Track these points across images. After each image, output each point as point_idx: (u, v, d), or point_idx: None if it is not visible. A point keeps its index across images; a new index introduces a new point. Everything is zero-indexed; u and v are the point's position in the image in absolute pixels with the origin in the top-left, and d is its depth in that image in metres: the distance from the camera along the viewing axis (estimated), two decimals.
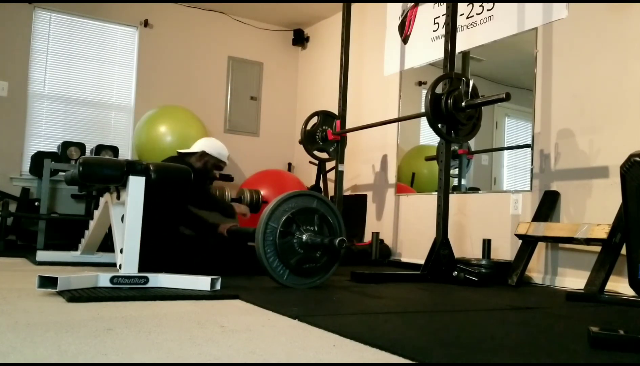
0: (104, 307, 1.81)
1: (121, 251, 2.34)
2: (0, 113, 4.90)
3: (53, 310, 1.73)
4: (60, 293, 1.99)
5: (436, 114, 3.17)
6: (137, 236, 2.36)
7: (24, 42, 5.00)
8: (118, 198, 2.55)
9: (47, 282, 2.00)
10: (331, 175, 4.69)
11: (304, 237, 2.56)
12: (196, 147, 3.46)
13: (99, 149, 4.66)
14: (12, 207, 4.60)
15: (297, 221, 2.56)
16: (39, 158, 4.70)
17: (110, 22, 5.39)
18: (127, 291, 2.12)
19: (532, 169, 3.54)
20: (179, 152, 3.51)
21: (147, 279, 2.28)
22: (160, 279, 2.32)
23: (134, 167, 2.41)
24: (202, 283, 2.29)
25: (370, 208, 4.95)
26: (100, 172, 2.40)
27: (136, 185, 2.38)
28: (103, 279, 2.21)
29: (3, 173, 4.87)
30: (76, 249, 3.38)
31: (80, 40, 5.27)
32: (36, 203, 4.58)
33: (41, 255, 3.28)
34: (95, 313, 1.68)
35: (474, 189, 4.23)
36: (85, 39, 5.29)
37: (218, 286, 2.30)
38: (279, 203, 2.57)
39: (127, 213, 2.35)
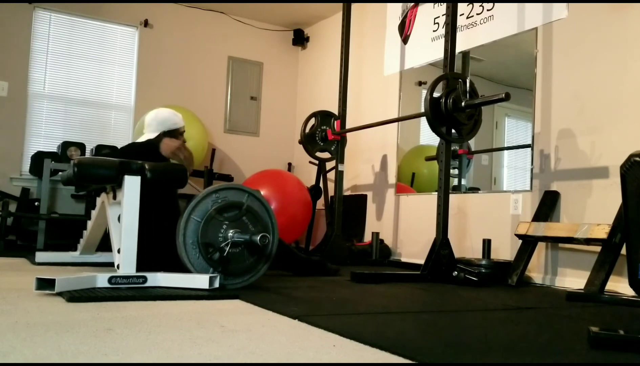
0: (103, 307, 1.81)
1: (119, 251, 2.34)
2: (0, 113, 4.90)
3: (53, 310, 1.73)
4: (60, 293, 1.99)
5: (436, 114, 3.17)
6: (134, 236, 2.35)
7: (24, 42, 5.00)
8: (114, 197, 2.55)
9: (45, 284, 2.00)
10: (331, 175, 4.69)
11: (230, 233, 2.41)
12: (151, 130, 3.13)
13: (99, 149, 4.65)
14: (12, 207, 4.60)
15: (224, 216, 2.41)
16: (39, 158, 4.70)
17: (110, 22, 5.39)
18: (126, 291, 2.12)
19: (532, 169, 3.54)
20: (135, 146, 3.12)
21: (145, 279, 2.28)
22: (159, 279, 2.32)
23: (129, 167, 2.40)
24: (200, 281, 2.28)
25: (370, 208, 4.95)
26: (95, 172, 2.39)
27: (131, 185, 2.38)
28: (101, 279, 2.20)
29: (3, 173, 4.87)
30: (76, 249, 3.38)
31: (80, 40, 5.27)
32: (36, 203, 4.58)
33: (40, 256, 3.28)
34: (95, 313, 1.68)
35: (474, 189, 4.23)
36: (85, 39, 5.29)
37: (217, 284, 2.30)
38: (204, 195, 2.41)
39: (123, 213, 2.35)
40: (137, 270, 2.34)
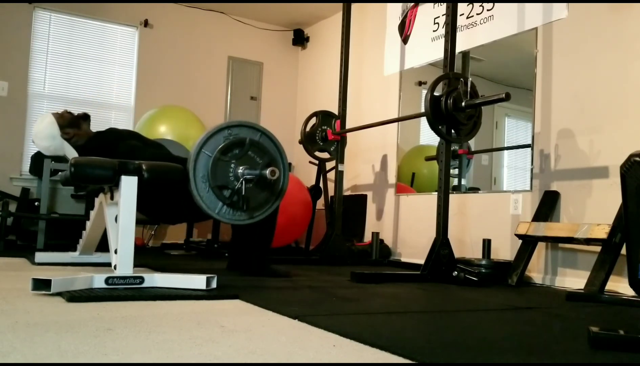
0: (103, 307, 1.81)
1: (115, 252, 2.33)
2: (0, 113, 4.90)
3: (53, 310, 1.73)
4: (60, 293, 1.99)
5: (436, 114, 3.17)
6: (132, 236, 2.35)
7: (24, 42, 5.00)
8: (112, 198, 2.54)
9: (41, 284, 2.00)
10: (331, 175, 4.69)
11: (240, 170, 2.39)
12: (60, 146, 3.05)
13: None
14: (12, 207, 4.60)
15: (235, 152, 2.38)
16: (39, 158, 4.70)
17: (110, 22, 5.39)
18: (125, 291, 2.12)
19: (532, 169, 3.54)
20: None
21: (142, 280, 2.28)
22: (156, 279, 2.31)
23: (126, 167, 2.40)
24: (197, 282, 2.28)
25: (370, 208, 4.95)
26: (92, 172, 2.38)
27: (128, 185, 2.38)
28: (98, 280, 2.20)
29: (3, 173, 4.87)
30: (76, 249, 3.38)
31: (80, 40, 5.27)
32: (36, 203, 4.58)
33: (40, 256, 3.28)
34: (95, 313, 1.68)
35: (474, 189, 4.23)
36: (85, 39, 5.29)
37: (214, 285, 2.30)
38: (216, 130, 2.40)
39: (120, 213, 2.34)
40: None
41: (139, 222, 2.48)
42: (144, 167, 2.42)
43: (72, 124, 3.10)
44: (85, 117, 3.16)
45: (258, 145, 2.46)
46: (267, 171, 2.35)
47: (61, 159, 4.59)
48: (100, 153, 2.63)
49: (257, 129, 2.50)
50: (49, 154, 3.14)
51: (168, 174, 2.54)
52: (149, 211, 3.20)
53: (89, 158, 2.54)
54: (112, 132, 3.21)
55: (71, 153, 3.06)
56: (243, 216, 2.46)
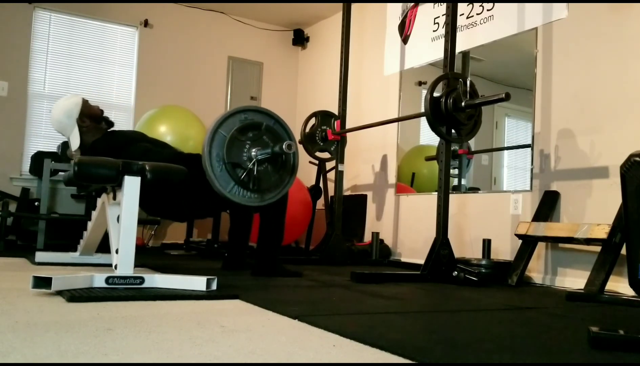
0: (103, 307, 1.81)
1: (117, 252, 2.34)
2: (0, 113, 4.90)
3: (53, 309, 1.73)
4: (60, 293, 1.99)
5: (436, 114, 3.17)
6: (133, 236, 2.35)
7: (24, 42, 5.00)
8: (114, 198, 2.55)
9: (42, 282, 2.00)
10: (331, 175, 4.69)
11: (253, 152, 2.44)
12: (70, 130, 3.04)
13: None
14: (12, 207, 4.60)
15: (249, 134, 2.42)
16: (39, 158, 4.70)
17: (110, 22, 5.39)
18: (125, 291, 2.12)
19: (532, 169, 3.54)
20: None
21: (142, 280, 2.28)
22: (156, 280, 2.32)
23: (130, 167, 2.40)
24: (198, 283, 2.28)
25: (370, 208, 4.95)
26: (95, 172, 2.39)
27: (131, 185, 2.38)
28: (98, 279, 2.20)
29: (3, 173, 4.87)
30: (76, 249, 3.38)
31: (80, 40, 5.27)
32: (36, 203, 4.58)
33: (40, 256, 3.28)
34: (95, 313, 1.68)
35: (474, 189, 4.23)
36: (85, 39, 5.29)
37: (214, 286, 2.30)
38: (232, 112, 2.45)
39: (122, 213, 2.34)
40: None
41: (139, 221, 2.48)
42: (147, 167, 2.43)
43: (93, 117, 3.12)
44: (109, 123, 3.20)
45: (272, 131, 2.50)
46: (284, 145, 2.38)
47: (61, 159, 4.62)
48: (108, 155, 2.64)
49: (271, 116, 2.55)
50: (57, 129, 3.13)
51: (171, 175, 2.55)
52: (150, 208, 3.20)
53: (92, 158, 2.54)
54: (122, 134, 3.22)
55: (74, 141, 3.06)
56: (254, 197, 2.48)
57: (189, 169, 2.64)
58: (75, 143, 3.06)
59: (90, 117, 3.10)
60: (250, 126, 2.46)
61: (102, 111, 3.18)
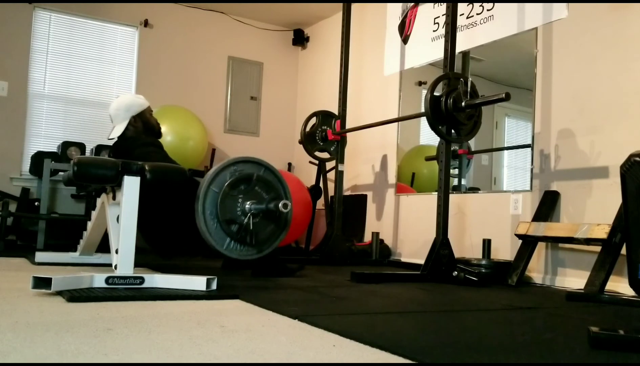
0: (103, 307, 1.81)
1: (117, 252, 2.34)
2: (0, 113, 4.90)
3: (53, 310, 1.73)
4: (60, 293, 1.99)
5: (436, 114, 3.17)
6: (133, 236, 2.35)
7: (24, 42, 5.00)
8: (114, 198, 2.55)
9: (42, 282, 2.00)
10: (331, 175, 4.69)
11: (247, 206, 2.44)
12: (120, 120, 3.19)
13: (99, 149, 4.66)
14: (12, 207, 4.60)
15: (241, 187, 2.43)
16: (39, 158, 4.70)
17: (110, 22, 5.39)
18: (125, 291, 2.12)
19: (532, 169, 3.54)
20: (119, 140, 3.20)
21: (142, 280, 2.28)
22: (156, 280, 2.32)
23: (129, 168, 2.40)
24: (198, 283, 2.28)
25: (370, 208, 4.94)
26: (95, 172, 2.39)
27: (131, 185, 2.38)
28: (98, 279, 2.20)
29: (3, 173, 4.87)
30: (76, 249, 3.38)
31: (80, 40, 5.27)
32: (36, 203, 4.58)
33: (40, 256, 3.28)
34: (95, 313, 1.68)
35: (474, 189, 4.23)
36: (85, 39, 5.29)
37: (214, 286, 2.30)
38: (222, 167, 2.45)
39: (122, 213, 2.35)
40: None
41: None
42: (146, 167, 2.43)
43: (147, 125, 3.25)
44: (158, 134, 3.33)
45: (263, 180, 2.52)
46: (280, 204, 2.40)
47: (61, 159, 4.62)
48: (120, 156, 2.66)
49: (260, 164, 2.56)
50: (110, 114, 3.27)
51: (170, 175, 2.54)
52: (153, 239, 3.21)
53: (92, 158, 2.55)
54: (144, 139, 3.26)
55: (116, 131, 3.19)
56: (252, 251, 2.50)
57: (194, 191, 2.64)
58: (115, 133, 3.20)
59: (144, 123, 3.24)
60: (242, 179, 2.46)
61: (159, 126, 3.34)
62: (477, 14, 4.02)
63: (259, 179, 2.50)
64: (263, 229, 2.51)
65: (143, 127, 3.24)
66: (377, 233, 4.44)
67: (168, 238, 3.20)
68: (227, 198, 2.42)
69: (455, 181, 4.30)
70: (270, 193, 2.51)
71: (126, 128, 3.20)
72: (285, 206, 2.40)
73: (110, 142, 3.24)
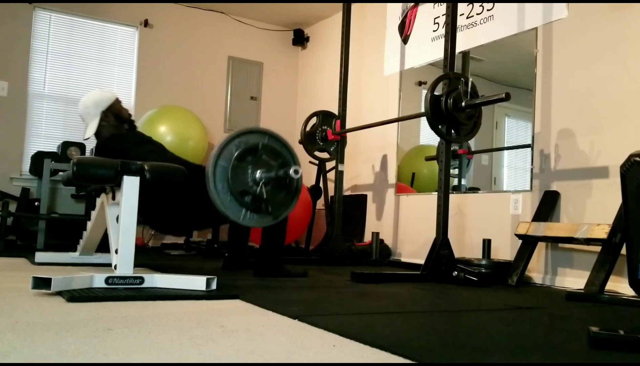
0: (103, 307, 1.81)
1: (116, 252, 2.34)
2: (0, 113, 4.90)
3: (53, 310, 1.73)
4: (60, 293, 1.99)
5: (436, 114, 3.17)
6: (132, 236, 2.35)
7: (24, 42, 5.00)
8: (113, 198, 2.55)
9: (41, 283, 2.00)
10: (331, 175, 4.69)
11: (257, 174, 2.43)
12: (91, 117, 3.13)
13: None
14: (12, 207, 4.60)
15: (249, 158, 2.43)
16: (39, 158, 4.70)
17: (110, 22, 5.39)
18: (125, 291, 2.12)
19: (532, 169, 3.54)
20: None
21: (142, 280, 2.28)
22: (156, 280, 2.32)
23: (129, 167, 2.40)
24: (198, 283, 2.28)
25: (370, 208, 4.94)
26: (94, 172, 2.39)
27: (130, 185, 2.38)
28: (98, 279, 2.20)
29: (3, 173, 4.87)
30: (76, 249, 3.38)
31: (80, 40, 5.27)
32: (36, 203, 4.58)
33: (40, 256, 3.28)
34: (95, 313, 1.68)
35: (474, 189, 4.23)
36: (85, 39, 5.29)
37: (214, 286, 2.30)
38: (226, 141, 2.43)
39: (121, 213, 2.34)
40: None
41: (139, 222, 2.48)
42: (146, 167, 2.43)
43: (118, 117, 3.21)
44: (132, 126, 3.29)
45: (269, 148, 2.49)
46: (291, 170, 2.38)
47: (61, 159, 4.62)
48: (114, 156, 2.64)
49: (264, 133, 2.53)
50: (80, 113, 3.23)
51: (170, 175, 2.54)
52: (153, 219, 3.21)
53: (91, 158, 2.54)
54: (133, 136, 3.23)
55: (90, 129, 3.15)
56: (267, 218, 2.49)
57: (194, 180, 2.63)
58: (89, 132, 3.15)
59: (115, 116, 3.19)
60: (248, 150, 2.45)
61: (129, 115, 3.29)
62: (477, 14, 4.02)
63: (264, 147, 2.48)
64: (275, 197, 2.50)
65: (116, 120, 3.18)
66: (377, 233, 4.44)
67: (172, 221, 3.20)
68: (237, 170, 2.40)
69: (455, 181, 4.30)
70: (277, 160, 2.49)
71: (99, 125, 3.13)
72: (296, 172, 2.39)
73: (87, 142, 3.21)
